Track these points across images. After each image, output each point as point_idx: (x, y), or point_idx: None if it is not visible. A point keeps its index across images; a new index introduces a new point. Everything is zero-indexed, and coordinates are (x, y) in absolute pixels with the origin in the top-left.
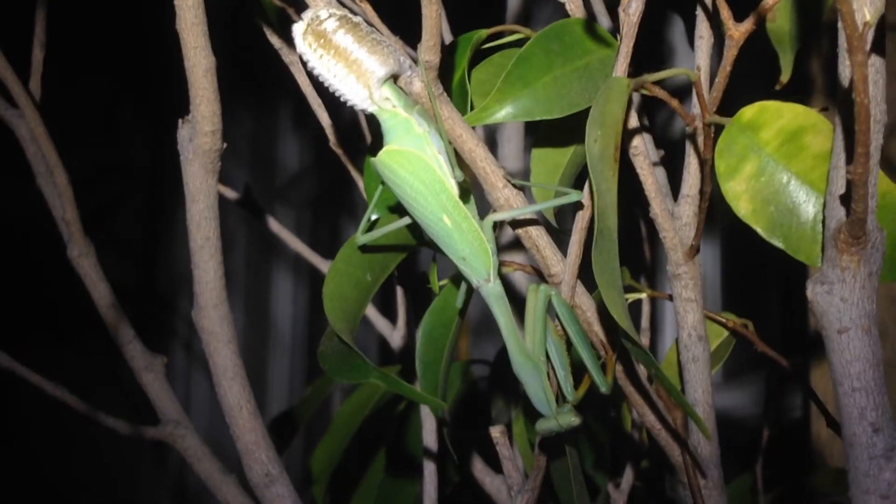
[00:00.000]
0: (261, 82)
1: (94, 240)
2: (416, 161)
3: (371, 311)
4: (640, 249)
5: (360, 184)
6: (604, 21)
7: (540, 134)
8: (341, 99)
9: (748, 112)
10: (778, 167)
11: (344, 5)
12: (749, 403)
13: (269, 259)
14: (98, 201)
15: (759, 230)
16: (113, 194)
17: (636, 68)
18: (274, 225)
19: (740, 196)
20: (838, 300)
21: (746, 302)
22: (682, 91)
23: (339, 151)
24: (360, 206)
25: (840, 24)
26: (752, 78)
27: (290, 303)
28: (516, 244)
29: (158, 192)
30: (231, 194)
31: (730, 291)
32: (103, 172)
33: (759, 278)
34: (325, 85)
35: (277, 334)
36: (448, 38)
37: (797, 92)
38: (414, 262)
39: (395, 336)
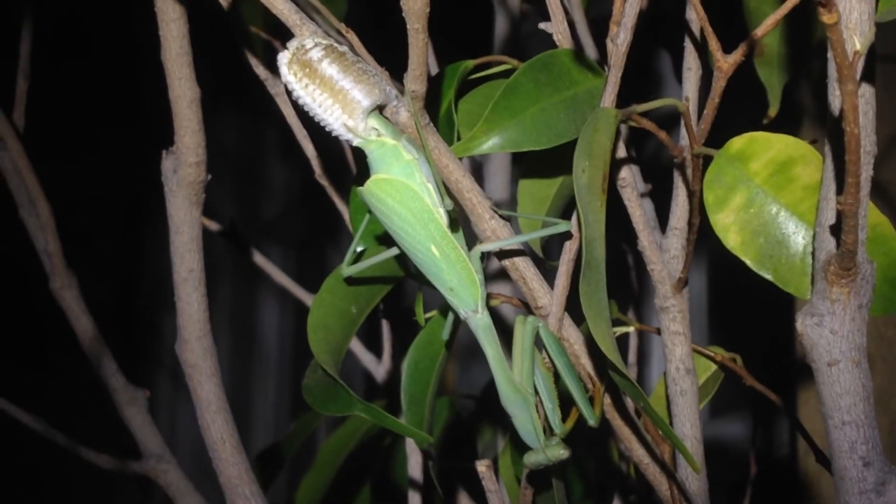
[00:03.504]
0: (246, 113)
1: (77, 270)
2: (405, 190)
3: (356, 345)
4: (627, 282)
5: (346, 215)
6: (590, 52)
7: (527, 165)
8: (326, 129)
9: (737, 143)
10: (767, 198)
11: (329, 35)
12: (736, 439)
13: (255, 289)
14: (81, 231)
15: (749, 262)
16: (96, 225)
17: (623, 100)
18: (258, 258)
19: (729, 228)
20: (828, 332)
21: (733, 333)
22: (670, 123)
23: (324, 183)
24: (345, 238)
25: (830, 54)
26: (740, 108)
27: (276, 333)
28: (503, 275)
29: (142, 222)
30: (215, 226)
31: (716, 323)
32: (87, 202)
33: (746, 310)
34: (311, 115)
35: (263, 365)
36: (434, 70)
37: (786, 119)
38: (399, 295)
39: (380, 370)
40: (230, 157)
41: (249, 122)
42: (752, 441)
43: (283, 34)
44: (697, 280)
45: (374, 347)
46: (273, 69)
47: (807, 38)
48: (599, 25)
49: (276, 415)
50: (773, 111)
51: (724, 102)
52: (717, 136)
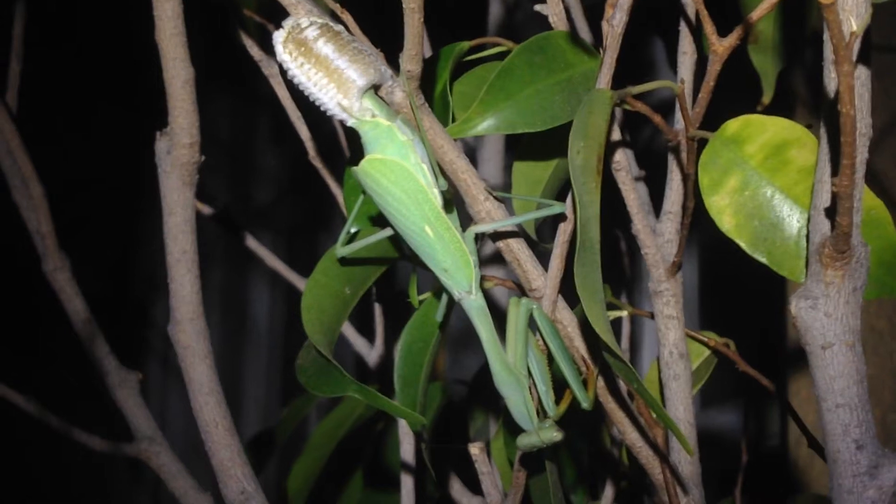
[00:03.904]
0: (239, 96)
1: (69, 253)
2: (399, 170)
3: (348, 330)
4: (620, 267)
5: (340, 197)
6: (585, 36)
7: (521, 148)
8: (321, 109)
9: (732, 125)
10: (762, 181)
11: (325, 15)
12: (728, 428)
13: (246, 273)
14: (74, 213)
15: (743, 245)
16: (89, 206)
17: (617, 85)
18: (251, 242)
19: (724, 210)
20: (822, 315)
21: (724, 319)
22: (664, 108)
23: (318, 164)
24: (337, 222)
25: (826, 35)
26: (734, 96)
27: (267, 317)
28: (497, 258)
29: (135, 204)
30: (207, 210)
31: (707, 308)
32: (79, 184)
33: (738, 296)
34: (306, 94)
35: (254, 348)
36: (429, 53)
37: (780, 106)
38: (391, 279)
39: (372, 355)
40: (222, 140)
41: (242, 104)
42: (744, 430)
43: (277, 17)
44: (689, 265)
45: (367, 332)
46: (268, 51)
47: (801, 25)
48: (594, 12)
49: (267, 398)
50: (766, 98)
51: (719, 90)
52: (711, 124)
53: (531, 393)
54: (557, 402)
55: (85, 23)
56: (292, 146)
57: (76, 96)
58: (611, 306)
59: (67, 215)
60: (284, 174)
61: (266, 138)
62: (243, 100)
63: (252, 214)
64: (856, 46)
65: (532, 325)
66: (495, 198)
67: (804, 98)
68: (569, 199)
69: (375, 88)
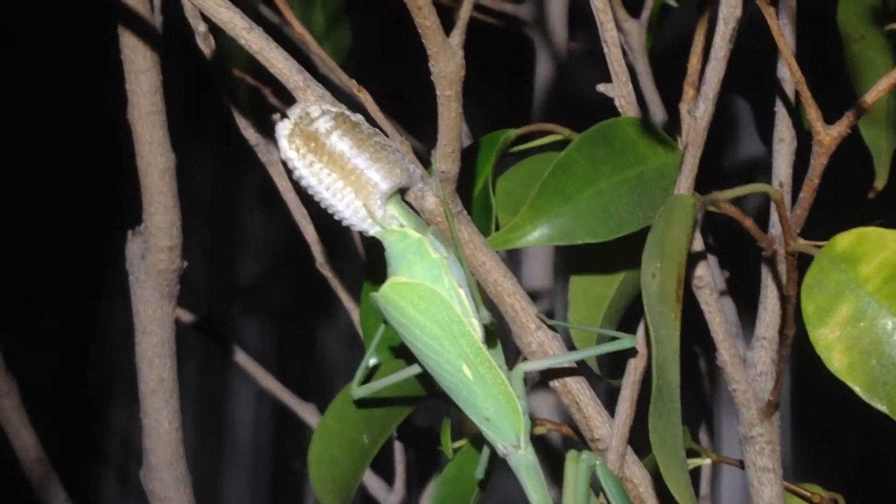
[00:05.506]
0: (222, 159)
1: (18, 377)
2: (430, 296)
3: None
4: (699, 391)
5: (354, 315)
6: (658, 114)
7: (579, 257)
8: (335, 217)
9: (843, 240)
10: (881, 310)
11: (340, 95)
12: None
13: (227, 376)
14: (24, 331)
15: (858, 389)
16: (42, 323)
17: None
18: (240, 357)
19: (833, 346)
20: None
21: (819, 459)
22: (754, 200)
23: (327, 273)
24: (335, 307)
25: None
26: (839, 173)
27: (252, 429)
28: (551, 393)
29: (98, 317)
30: (188, 317)
31: (799, 444)
32: (34, 297)
33: (836, 430)
34: (316, 199)
35: (235, 462)
36: (467, 141)
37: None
38: (414, 412)
39: (390, 500)
40: (203, 207)
41: (227, 170)
42: None
43: (275, 83)
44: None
45: (385, 471)
46: (264, 130)
47: None
48: (664, 63)
49: None
50: (880, 182)
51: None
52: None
53: None
54: None
55: (49, 99)
56: (284, 217)
57: (33, 191)
58: (691, 452)
59: (17, 334)
60: (276, 248)
61: (264, 235)
62: (227, 164)
63: (238, 295)
64: None
65: (594, 483)
66: (549, 326)
67: None
68: (640, 330)
69: (402, 192)
